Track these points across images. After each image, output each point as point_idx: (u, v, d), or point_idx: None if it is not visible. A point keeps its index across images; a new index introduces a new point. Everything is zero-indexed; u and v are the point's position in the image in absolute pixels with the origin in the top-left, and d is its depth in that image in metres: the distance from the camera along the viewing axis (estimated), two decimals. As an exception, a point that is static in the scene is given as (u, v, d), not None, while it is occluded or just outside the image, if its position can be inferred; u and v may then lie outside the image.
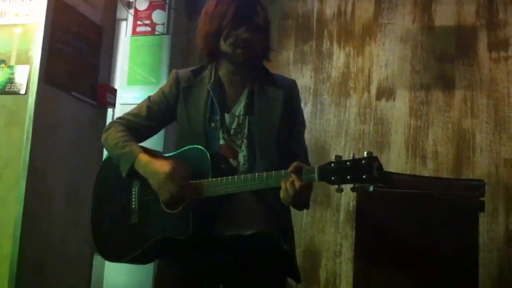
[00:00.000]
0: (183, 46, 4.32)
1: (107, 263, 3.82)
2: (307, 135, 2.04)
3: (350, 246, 3.76)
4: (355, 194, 3.74)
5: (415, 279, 2.62)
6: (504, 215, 3.52)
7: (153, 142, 2.05)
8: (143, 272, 3.69)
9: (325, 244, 3.87)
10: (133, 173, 1.84)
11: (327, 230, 3.88)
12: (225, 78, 1.95)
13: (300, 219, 3.85)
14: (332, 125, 4.02)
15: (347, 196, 3.84)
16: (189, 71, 2.00)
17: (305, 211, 3.70)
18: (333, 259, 3.83)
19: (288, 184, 1.61)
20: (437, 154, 3.75)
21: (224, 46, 1.88)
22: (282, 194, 1.63)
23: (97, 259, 3.40)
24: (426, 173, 3.70)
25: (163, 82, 4.13)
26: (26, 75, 2.90)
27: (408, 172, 3.69)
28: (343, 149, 3.95)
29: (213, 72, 1.95)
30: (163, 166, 1.77)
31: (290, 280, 1.96)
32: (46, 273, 2.97)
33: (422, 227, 2.65)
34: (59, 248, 3.06)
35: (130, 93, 4.14)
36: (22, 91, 2.89)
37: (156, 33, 4.22)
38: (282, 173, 1.64)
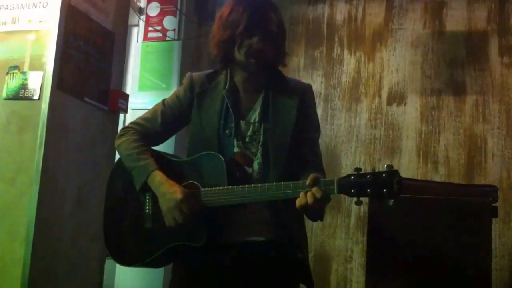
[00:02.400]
0: (193, 52, 4.34)
1: (118, 266, 3.83)
2: (318, 140, 2.03)
3: (361, 251, 3.75)
4: (366, 199, 3.74)
5: (428, 284, 2.61)
6: (517, 220, 3.50)
7: (164, 146, 2.05)
8: (154, 276, 3.69)
9: (336, 249, 3.86)
10: (147, 188, 1.84)
11: (338, 235, 3.87)
12: (240, 84, 1.93)
13: (311, 224, 3.82)
14: (343, 130, 4.01)
15: (358, 201, 3.83)
16: (204, 75, 1.98)
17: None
18: (344, 265, 3.82)
19: (306, 195, 1.59)
20: (448, 159, 3.74)
21: (237, 55, 1.85)
22: (298, 203, 1.61)
23: (108, 262, 3.41)
24: (437, 178, 3.68)
25: (174, 87, 4.16)
26: (39, 81, 2.91)
27: (419, 178, 3.68)
28: (354, 154, 3.94)
29: (228, 78, 1.93)
30: (175, 193, 1.75)
31: (301, 286, 1.95)
32: (58, 277, 2.97)
33: (434, 232, 2.64)
34: (70, 252, 3.06)
35: (141, 99, 4.16)
36: (36, 97, 2.90)
37: (167, 39, 4.23)
38: (301, 184, 1.62)
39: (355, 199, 1.57)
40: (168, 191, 1.77)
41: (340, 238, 3.86)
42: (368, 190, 1.52)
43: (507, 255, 3.46)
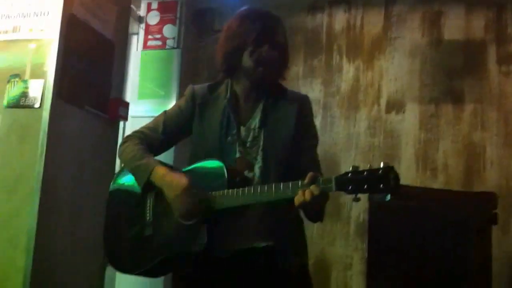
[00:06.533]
0: (193, 60, 4.35)
1: (118, 275, 3.82)
2: (317, 148, 2.05)
3: (360, 259, 3.75)
4: (365, 206, 3.75)
5: (428, 292, 2.62)
6: (516, 227, 3.51)
7: (164, 158, 2.06)
8: (154, 286, 3.68)
9: (336, 256, 3.86)
10: (149, 185, 1.86)
11: (338, 242, 3.88)
12: (241, 93, 1.98)
13: (311, 231, 3.83)
14: (341, 138, 4.03)
15: (357, 208, 3.84)
16: (205, 87, 2.03)
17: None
18: (343, 272, 3.82)
19: (305, 192, 1.60)
20: (447, 167, 3.75)
21: (246, 62, 1.90)
22: (297, 201, 1.62)
23: (109, 270, 3.40)
24: (436, 186, 3.69)
25: (173, 96, 4.18)
26: (40, 89, 2.91)
27: (418, 185, 3.69)
28: (353, 162, 3.94)
29: (229, 88, 1.98)
30: (180, 179, 1.78)
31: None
32: (59, 286, 2.97)
33: (434, 239, 2.65)
34: (70, 260, 3.06)
35: (141, 107, 4.17)
36: (37, 105, 2.91)
37: (167, 47, 4.26)
38: (299, 183, 1.64)
39: (353, 201, 1.59)
40: (173, 178, 1.80)
41: (339, 245, 3.87)
42: (365, 186, 1.54)
43: (508, 262, 3.45)
